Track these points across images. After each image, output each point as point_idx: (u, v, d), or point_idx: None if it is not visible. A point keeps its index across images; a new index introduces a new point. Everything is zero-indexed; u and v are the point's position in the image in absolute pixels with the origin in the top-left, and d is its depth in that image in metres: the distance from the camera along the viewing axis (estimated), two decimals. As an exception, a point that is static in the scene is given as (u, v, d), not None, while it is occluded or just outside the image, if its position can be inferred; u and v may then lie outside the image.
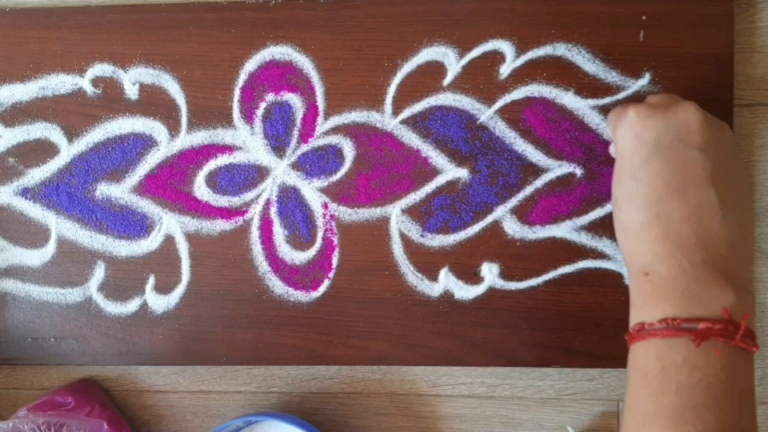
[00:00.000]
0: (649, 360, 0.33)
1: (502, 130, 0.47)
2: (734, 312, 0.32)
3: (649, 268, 0.34)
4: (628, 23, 0.46)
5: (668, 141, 0.35)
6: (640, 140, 0.36)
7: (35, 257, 0.49)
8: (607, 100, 0.47)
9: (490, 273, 0.48)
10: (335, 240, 0.48)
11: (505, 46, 0.47)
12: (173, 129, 0.49)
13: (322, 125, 0.48)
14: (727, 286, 0.33)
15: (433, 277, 0.48)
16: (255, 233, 0.49)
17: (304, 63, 0.48)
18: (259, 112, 0.48)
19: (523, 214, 0.47)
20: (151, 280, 0.49)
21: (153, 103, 0.49)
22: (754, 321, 0.34)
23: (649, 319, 0.34)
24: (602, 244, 0.47)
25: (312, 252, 0.48)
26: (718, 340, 0.32)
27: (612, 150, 0.42)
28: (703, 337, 0.32)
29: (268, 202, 0.48)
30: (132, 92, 0.49)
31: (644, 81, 0.46)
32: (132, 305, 0.49)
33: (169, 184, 0.49)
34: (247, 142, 0.48)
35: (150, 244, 0.49)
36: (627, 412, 0.34)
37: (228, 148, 0.48)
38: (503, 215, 0.47)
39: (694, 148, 0.35)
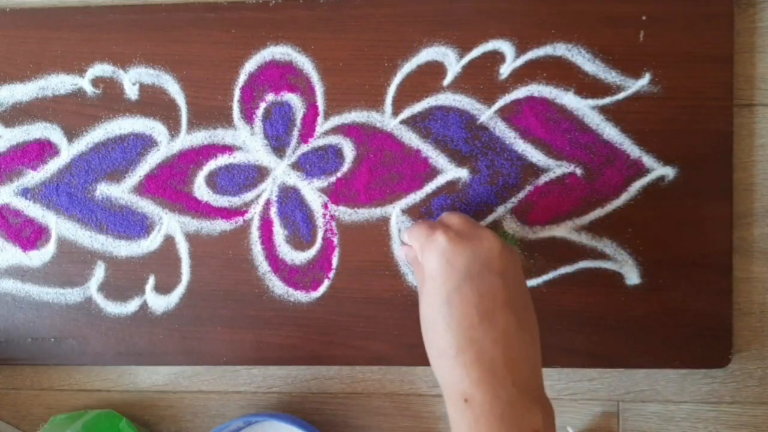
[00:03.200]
0: None
1: (502, 130, 0.47)
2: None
3: (468, 393, 0.36)
4: (628, 23, 0.46)
5: (476, 269, 0.38)
6: (451, 266, 0.38)
7: (35, 257, 0.49)
8: (607, 100, 0.47)
9: (490, 273, 0.48)
10: (335, 240, 0.48)
11: (505, 46, 0.47)
12: (173, 129, 0.49)
13: (322, 125, 0.48)
14: (535, 407, 0.36)
15: (433, 277, 0.48)
16: (255, 233, 0.49)
17: (304, 63, 0.48)
18: (259, 112, 0.48)
19: (523, 214, 0.47)
20: (151, 280, 0.49)
21: (153, 103, 0.49)
22: None
23: None
24: (602, 244, 0.47)
25: (312, 252, 0.48)
26: None
27: (399, 254, 0.45)
28: None
29: (268, 202, 0.48)
30: (132, 92, 0.49)
31: (644, 81, 0.46)
32: (132, 305, 0.49)
33: (169, 184, 0.49)
34: (247, 142, 0.48)
35: (150, 244, 0.49)
36: None
37: (228, 148, 0.48)
38: (503, 215, 0.47)
39: (496, 274, 0.38)
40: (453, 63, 0.47)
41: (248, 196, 0.49)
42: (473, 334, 0.37)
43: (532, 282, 0.47)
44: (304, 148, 0.48)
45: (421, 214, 0.48)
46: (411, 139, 0.48)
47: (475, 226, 0.40)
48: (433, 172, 0.48)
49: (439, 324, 0.38)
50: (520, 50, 0.47)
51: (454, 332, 0.37)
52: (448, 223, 0.41)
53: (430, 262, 0.39)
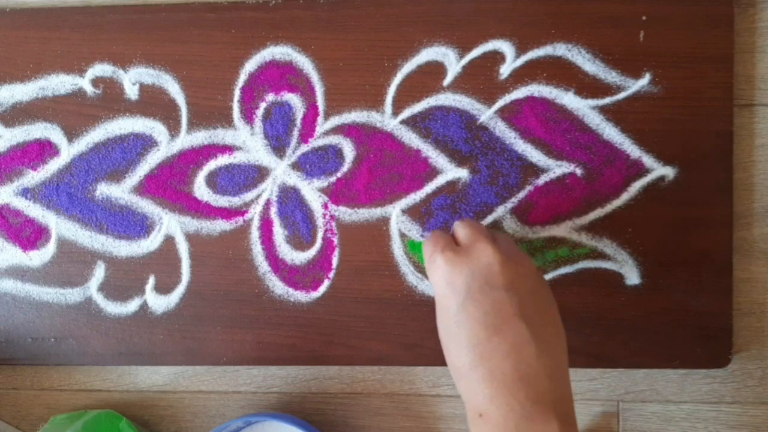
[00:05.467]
0: None
1: (502, 130, 0.47)
2: None
3: (482, 408, 0.36)
4: (628, 23, 0.46)
5: (477, 285, 0.38)
6: (452, 287, 0.38)
7: (35, 257, 0.49)
8: (607, 100, 0.47)
9: (490, 273, 0.48)
10: (335, 240, 0.48)
11: (505, 46, 0.47)
12: (173, 129, 0.49)
13: (322, 125, 0.48)
14: (552, 419, 0.35)
15: (433, 277, 0.48)
16: (255, 233, 0.49)
17: (304, 63, 0.48)
18: (259, 112, 0.48)
19: (523, 214, 0.47)
20: (151, 281, 0.49)
21: (153, 103, 0.49)
22: None
23: None
24: (602, 244, 0.47)
25: (312, 252, 0.48)
26: None
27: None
28: None
29: (268, 202, 0.48)
30: (132, 92, 0.49)
31: (644, 81, 0.46)
32: (132, 305, 0.49)
33: (169, 184, 0.49)
34: (247, 142, 0.48)
35: (150, 244, 0.49)
36: None
37: (228, 149, 0.48)
38: (503, 215, 0.47)
39: (501, 288, 0.37)
40: (453, 63, 0.47)
41: (248, 196, 0.49)
42: (483, 350, 0.36)
43: (532, 282, 0.47)
44: (304, 148, 0.48)
45: (421, 214, 0.48)
46: (411, 139, 0.48)
47: (476, 239, 0.39)
48: (433, 172, 0.48)
49: (451, 344, 0.38)
50: (520, 50, 0.47)
51: (465, 350, 0.37)
52: (456, 234, 0.41)
53: (435, 285, 0.39)
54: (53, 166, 0.49)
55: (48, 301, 0.50)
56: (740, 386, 0.49)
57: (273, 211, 0.48)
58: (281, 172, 0.48)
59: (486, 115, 0.47)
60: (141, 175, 0.49)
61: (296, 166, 0.48)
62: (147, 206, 0.49)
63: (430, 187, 0.48)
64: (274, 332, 0.49)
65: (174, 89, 0.48)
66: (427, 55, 0.47)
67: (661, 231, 0.47)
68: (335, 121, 0.48)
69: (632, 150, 0.47)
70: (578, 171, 0.47)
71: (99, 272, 0.49)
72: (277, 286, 0.49)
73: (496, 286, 0.37)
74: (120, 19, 0.48)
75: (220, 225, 0.49)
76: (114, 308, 0.49)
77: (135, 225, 0.49)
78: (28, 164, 0.49)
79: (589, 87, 0.47)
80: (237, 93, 0.48)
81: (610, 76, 0.46)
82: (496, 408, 0.35)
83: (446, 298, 0.38)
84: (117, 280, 0.49)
